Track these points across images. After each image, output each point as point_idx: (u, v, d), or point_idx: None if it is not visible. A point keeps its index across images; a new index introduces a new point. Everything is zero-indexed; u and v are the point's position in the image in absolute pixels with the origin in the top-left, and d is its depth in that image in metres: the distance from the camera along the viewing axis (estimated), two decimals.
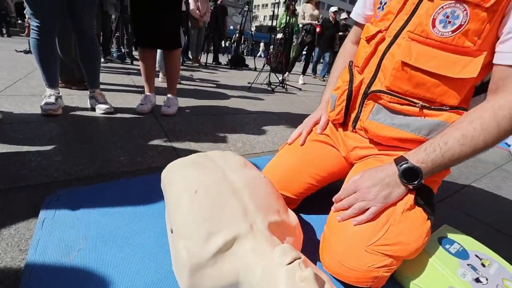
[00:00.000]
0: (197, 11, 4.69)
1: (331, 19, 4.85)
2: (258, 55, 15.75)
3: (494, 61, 0.51)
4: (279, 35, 5.12)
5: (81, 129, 1.29)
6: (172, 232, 0.54)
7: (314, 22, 4.32)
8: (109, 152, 1.08)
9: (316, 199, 0.83)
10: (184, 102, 2.06)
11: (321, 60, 5.46)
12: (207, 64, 5.38)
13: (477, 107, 0.52)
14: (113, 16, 3.97)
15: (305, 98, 3.13)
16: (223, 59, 6.48)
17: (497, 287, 0.53)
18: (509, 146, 1.98)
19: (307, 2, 4.34)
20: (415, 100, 0.57)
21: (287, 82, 3.82)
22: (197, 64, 5.18)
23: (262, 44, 15.63)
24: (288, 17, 4.55)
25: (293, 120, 2.02)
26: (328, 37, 4.86)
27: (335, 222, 0.60)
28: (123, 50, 4.32)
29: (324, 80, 5.45)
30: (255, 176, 0.64)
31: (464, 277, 0.54)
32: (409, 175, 0.53)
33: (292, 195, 0.76)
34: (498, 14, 0.47)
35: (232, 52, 8.14)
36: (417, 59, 0.54)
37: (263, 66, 3.73)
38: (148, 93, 1.75)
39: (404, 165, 0.53)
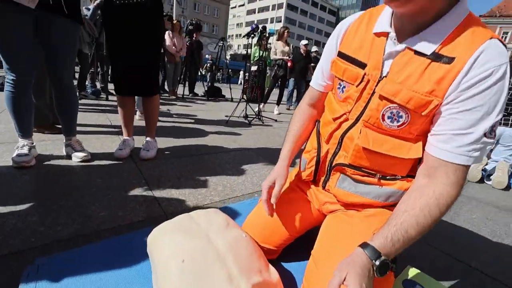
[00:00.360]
0: (173, 47, 4.86)
1: (302, 52, 5.24)
2: (239, 83, 16.41)
3: (426, 149, 0.64)
4: (254, 68, 5.42)
5: (57, 182, 1.26)
6: None
7: (285, 57, 4.65)
8: (88, 208, 1.08)
9: (295, 246, 0.88)
10: (163, 142, 2.08)
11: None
12: (184, 96, 5.47)
13: (422, 192, 0.61)
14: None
15: (280, 130, 3.28)
16: (200, 89, 6.62)
17: None
18: None
19: (277, 40, 4.70)
20: (373, 172, 0.70)
21: (263, 113, 3.99)
22: (174, 97, 5.25)
23: (241, 73, 16.25)
24: (261, 51, 4.87)
25: (270, 156, 2.11)
26: (299, 69, 5.21)
27: (312, 276, 0.66)
28: (97, 86, 4.30)
29: None
30: (238, 236, 0.69)
31: None
32: (383, 269, 0.58)
33: (273, 247, 0.82)
34: (430, 117, 0.61)
35: (208, 80, 8.41)
36: (374, 144, 0.66)
37: (240, 100, 3.87)
38: (127, 137, 1.77)
39: (378, 262, 0.56)
